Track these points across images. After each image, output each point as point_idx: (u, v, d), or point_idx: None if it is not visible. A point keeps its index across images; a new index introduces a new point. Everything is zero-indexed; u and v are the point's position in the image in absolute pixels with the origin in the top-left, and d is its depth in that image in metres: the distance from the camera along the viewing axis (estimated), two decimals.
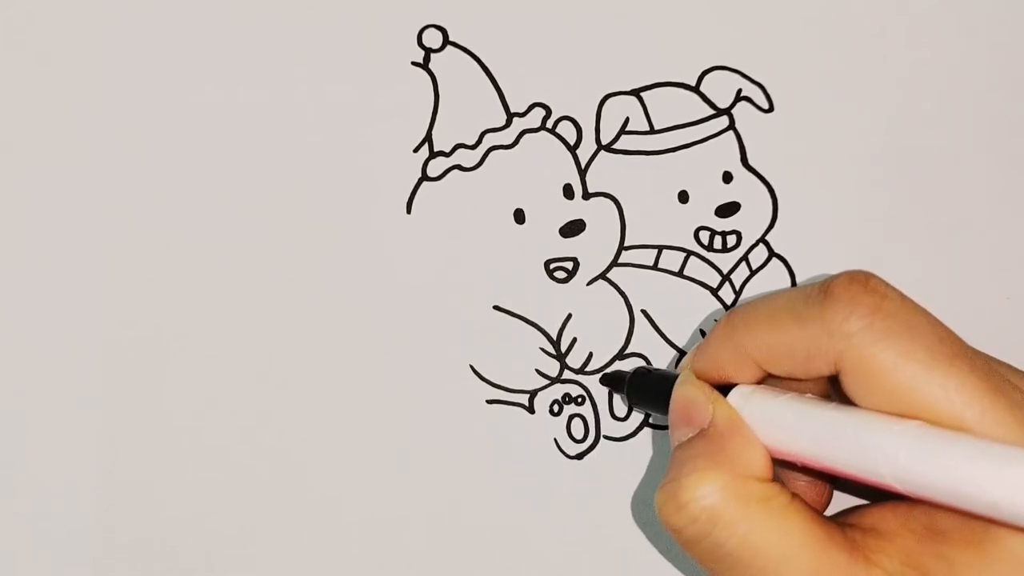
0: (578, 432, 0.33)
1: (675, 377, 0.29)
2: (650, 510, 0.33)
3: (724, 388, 0.28)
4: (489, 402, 0.33)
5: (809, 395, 0.27)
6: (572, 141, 0.33)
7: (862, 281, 0.25)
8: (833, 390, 0.28)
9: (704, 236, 0.33)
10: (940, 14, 0.34)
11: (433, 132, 0.33)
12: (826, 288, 0.25)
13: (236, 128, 0.33)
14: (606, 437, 0.33)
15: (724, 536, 0.25)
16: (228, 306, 0.33)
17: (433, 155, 0.33)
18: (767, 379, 0.28)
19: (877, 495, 0.27)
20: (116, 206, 0.33)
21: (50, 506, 0.32)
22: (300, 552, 0.33)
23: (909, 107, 0.34)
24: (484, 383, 0.33)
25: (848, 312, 0.25)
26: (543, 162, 0.33)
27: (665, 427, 0.33)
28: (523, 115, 0.33)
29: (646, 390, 0.31)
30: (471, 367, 0.33)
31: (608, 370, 0.33)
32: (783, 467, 0.28)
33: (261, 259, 0.33)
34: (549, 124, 0.33)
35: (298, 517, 0.33)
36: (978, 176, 0.34)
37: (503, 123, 0.33)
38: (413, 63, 0.33)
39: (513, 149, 0.33)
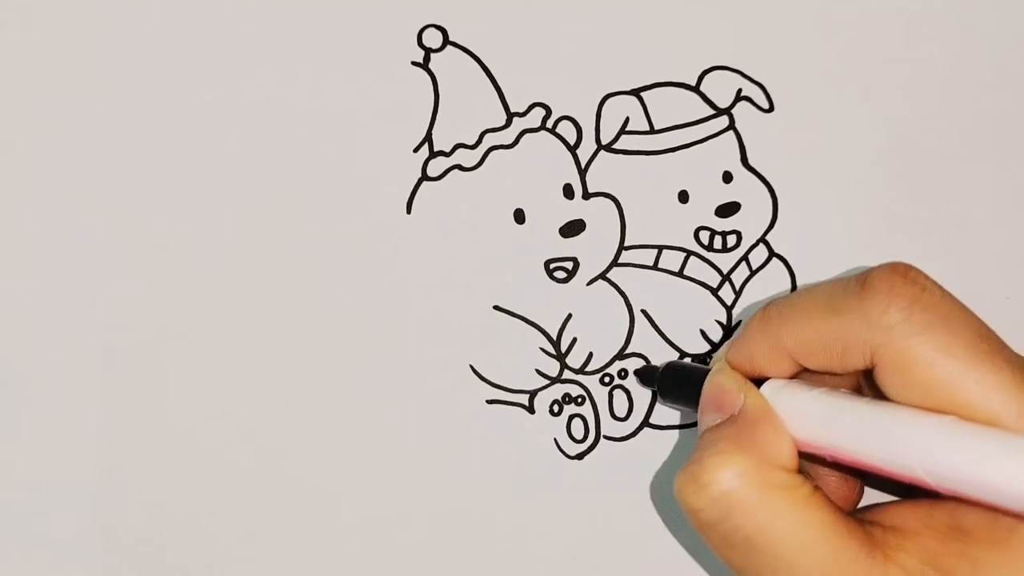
0: (578, 432, 0.33)
1: (707, 371, 0.29)
2: (650, 511, 0.33)
3: (757, 382, 0.28)
4: (489, 402, 0.33)
5: (842, 390, 0.27)
6: (572, 141, 0.33)
7: (902, 272, 0.25)
8: (866, 385, 0.27)
9: (704, 236, 0.33)
10: (940, 14, 0.34)
11: (433, 132, 0.33)
12: (865, 279, 0.25)
13: (236, 128, 0.33)
14: (606, 437, 0.33)
15: (742, 521, 0.25)
16: (228, 306, 0.33)
17: (433, 155, 0.33)
18: (800, 374, 0.28)
19: (906, 492, 0.27)
20: (116, 206, 0.33)
21: (50, 506, 0.32)
22: (300, 552, 0.33)
23: (909, 107, 0.34)
24: (484, 383, 0.33)
25: (887, 304, 0.24)
26: (543, 162, 0.33)
27: (666, 427, 0.33)
28: (523, 115, 0.33)
29: (679, 383, 0.31)
30: (471, 367, 0.33)
31: (640, 366, 0.33)
32: (813, 463, 0.28)
33: (261, 259, 0.33)
34: (549, 124, 0.33)
35: (298, 517, 0.33)
36: (978, 176, 0.34)
37: (503, 123, 0.33)
38: (413, 63, 0.33)
39: (513, 149, 0.33)
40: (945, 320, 0.24)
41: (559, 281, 0.33)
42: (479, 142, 0.33)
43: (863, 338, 0.25)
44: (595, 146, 0.33)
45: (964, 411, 0.24)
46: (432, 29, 0.33)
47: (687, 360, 0.33)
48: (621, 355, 0.33)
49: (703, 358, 0.33)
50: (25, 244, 0.33)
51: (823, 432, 0.26)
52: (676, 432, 0.33)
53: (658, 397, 0.33)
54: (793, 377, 0.28)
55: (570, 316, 0.33)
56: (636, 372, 0.33)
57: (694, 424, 0.33)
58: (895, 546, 0.25)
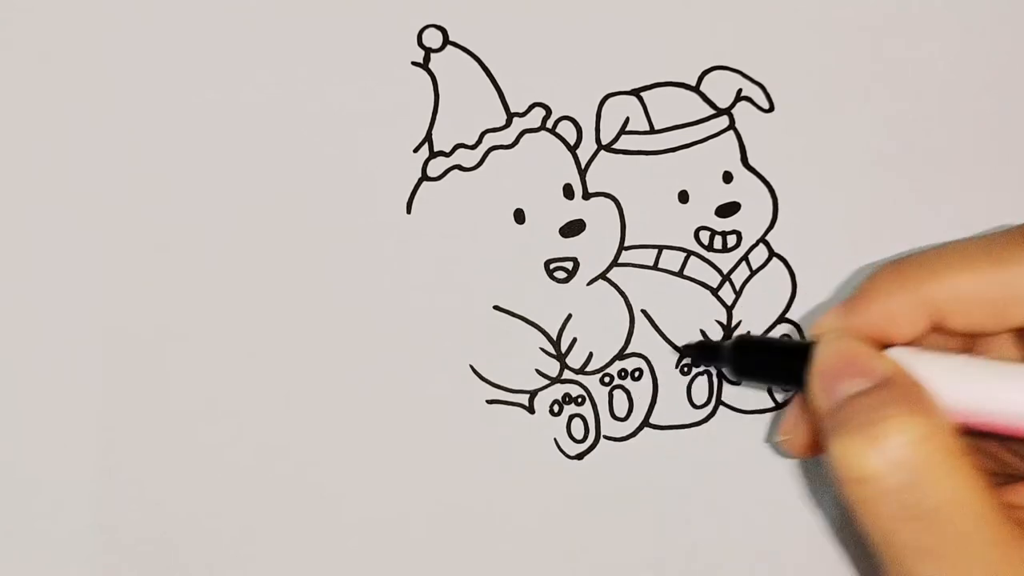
0: (578, 432, 0.33)
1: (797, 344, 0.27)
2: (651, 510, 0.33)
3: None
4: (489, 402, 0.33)
5: (983, 355, 0.25)
6: (572, 141, 0.33)
7: None
8: (1017, 344, 0.25)
9: (704, 236, 0.33)
10: (940, 14, 0.34)
11: (433, 132, 0.33)
12: None
13: (236, 128, 0.33)
14: (606, 437, 0.33)
15: (927, 491, 0.23)
16: (228, 306, 0.33)
17: (433, 155, 0.33)
18: (925, 339, 0.26)
19: None
20: (116, 206, 0.33)
21: (50, 506, 0.32)
22: (300, 552, 0.33)
23: (909, 107, 0.34)
24: (484, 383, 0.33)
25: None
26: (543, 162, 0.33)
27: (666, 427, 0.33)
28: (523, 115, 0.33)
29: (759, 356, 0.29)
30: (471, 367, 0.33)
31: (693, 341, 0.32)
32: None
33: (261, 259, 0.33)
34: (549, 124, 0.33)
35: (298, 517, 0.33)
36: (978, 176, 0.34)
37: (503, 123, 0.33)
38: (413, 63, 0.33)
39: (513, 149, 0.33)
40: None
41: (559, 281, 0.33)
42: (479, 142, 0.33)
43: None
44: (595, 146, 0.33)
45: None
46: (432, 29, 0.33)
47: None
48: (621, 355, 0.33)
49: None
50: (25, 244, 0.33)
51: (987, 399, 0.24)
52: (676, 432, 0.33)
53: (725, 376, 0.32)
54: (914, 343, 0.26)
55: (570, 316, 0.33)
56: (688, 348, 0.32)
57: (695, 424, 0.33)
58: None
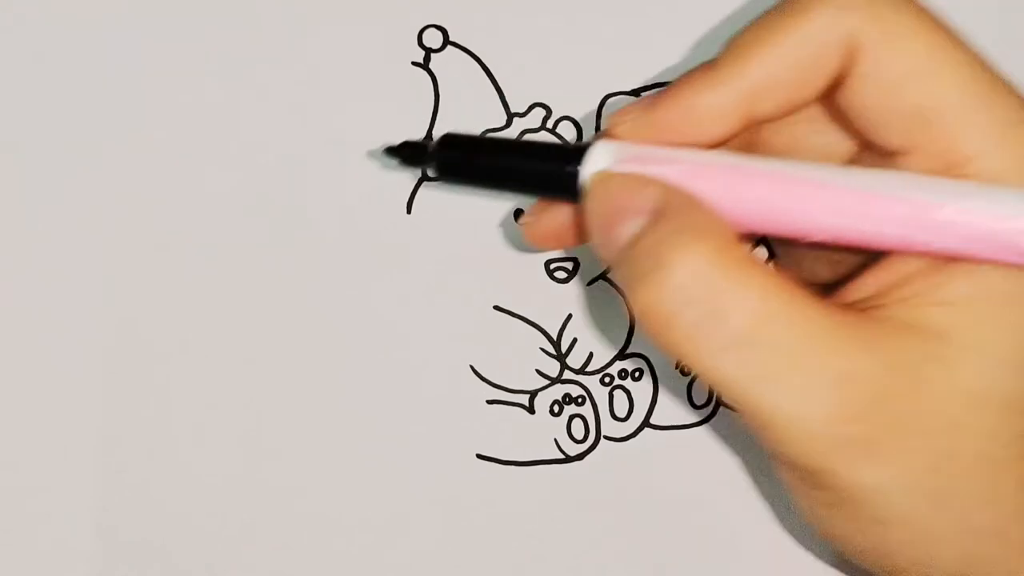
0: (578, 432, 0.33)
1: (501, 141, 0.26)
2: (650, 511, 0.33)
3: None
4: (489, 402, 0.33)
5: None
6: (572, 141, 0.33)
7: None
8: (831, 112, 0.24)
9: None
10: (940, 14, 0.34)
11: (433, 132, 0.33)
12: None
13: (235, 128, 0.33)
14: (606, 437, 0.33)
15: (732, 314, 0.21)
16: (228, 306, 0.33)
17: None
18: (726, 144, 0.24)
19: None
20: (116, 206, 0.33)
21: (50, 507, 0.32)
22: (300, 553, 0.33)
23: None
24: (484, 383, 0.33)
25: None
26: None
27: (667, 427, 0.33)
28: (523, 115, 0.33)
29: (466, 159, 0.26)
30: (471, 367, 0.33)
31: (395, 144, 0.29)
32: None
33: (261, 259, 0.33)
34: (549, 124, 0.33)
35: (298, 518, 0.33)
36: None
37: (503, 123, 0.33)
38: (413, 63, 0.33)
39: None
40: None
41: (559, 281, 0.33)
42: None
43: (843, 28, 0.22)
44: None
45: (941, 92, 0.22)
46: (432, 29, 0.33)
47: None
48: (621, 355, 0.33)
49: None
50: (25, 244, 0.33)
51: (765, 207, 0.22)
52: (677, 432, 0.33)
53: (427, 176, 0.30)
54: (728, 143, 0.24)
55: (570, 316, 0.33)
56: (389, 150, 0.29)
57: (695, 425, 0.33)
58: (877, 306, 0.23)
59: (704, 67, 0.24)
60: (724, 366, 0.22)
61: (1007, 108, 0.22)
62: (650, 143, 0.24)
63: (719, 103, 0.23)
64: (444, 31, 0.33)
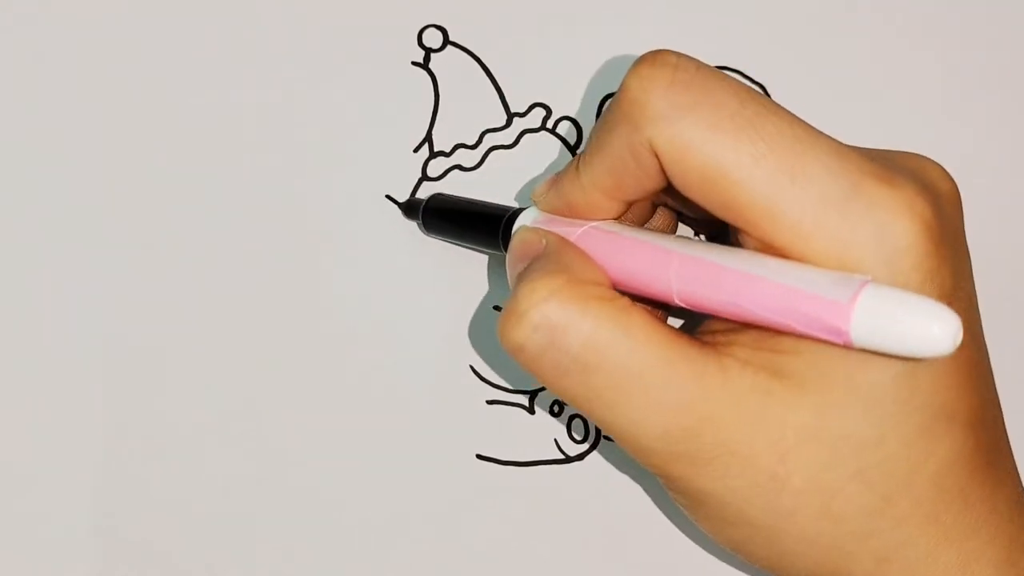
0: (578, 432, 0.33)
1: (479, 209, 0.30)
2: (650, 511, 0.33)
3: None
4: (489, 402, 0.33)
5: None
6: (572, 141, 0.33)
7: (649, 61, 0.23)
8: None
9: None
10: (940, 14, 0.34)
11: (433, 132, 0.33)
12: (621, 86, 0.24)
13: (235, 128, 0.33)
14: (606, 437, 0.33)
15: (567, 341, 0.24)
16: (227, 307, 0.33)
17: (433, 155, 0.33)
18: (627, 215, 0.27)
19: None
20: (116, 206, 0.33)
21: (50, 506, 0.32)
22: (300, 554, 0.33)
23: (909, 107, 0.34)
24: (484, 383, 0.33)
25: (644, 98, 0.23)
26: (543, 162, 0.33)
27: None
28: (523, 115, 0.33)
29: (444, 216, 0.31)
30: (471, 367, 0.33)
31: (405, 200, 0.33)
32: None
33: (261, 259, 0.33)
34: (549, 124, 0.33)
35: (298, 518, 0.33)
36: (978, 176, 0.34)
37: (503, 123, 0.33)
38: (413, 63, 0.33)
39: (513, 149, 0.33)
40: (708, 94, 0.23)
41: None
42: (479, 142, 0.33)
43: (640, 143, 0.24)
44: None
45: (737, 190, 0.23)
46: (432, 29, 0.33)
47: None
48: None
49: None
50: (24, 244, 0.33)
51: (631, 274, 0.25)
52: None
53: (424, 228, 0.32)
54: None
55: None
56: (400, 204, 0.33)
57: None
58: (724, 342, 0.25)
59: (570, 164, 0.27)
60: (569, 387, 0.24)
61: (824, 184, 0.23)
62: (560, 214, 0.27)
63: (584, 198, 0.26)
64: (444, 31, 0.33)
